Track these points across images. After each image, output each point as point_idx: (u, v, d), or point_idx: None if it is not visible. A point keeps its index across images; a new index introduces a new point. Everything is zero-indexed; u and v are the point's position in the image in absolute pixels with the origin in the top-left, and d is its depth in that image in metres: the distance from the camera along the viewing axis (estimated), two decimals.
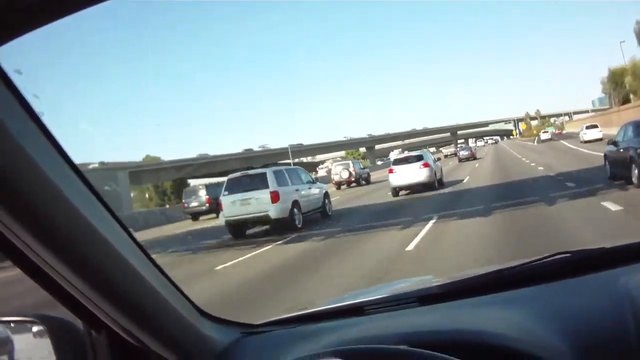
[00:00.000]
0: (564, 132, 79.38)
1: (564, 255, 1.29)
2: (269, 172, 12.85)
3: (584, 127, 38.48)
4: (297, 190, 13.18)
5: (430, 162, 17.98)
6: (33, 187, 0.78)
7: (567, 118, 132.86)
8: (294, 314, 1.43)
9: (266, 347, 1.28)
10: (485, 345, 1.01)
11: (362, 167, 35.02)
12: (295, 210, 12.75)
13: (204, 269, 9.27)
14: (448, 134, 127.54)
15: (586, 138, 35.63)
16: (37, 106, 0.79)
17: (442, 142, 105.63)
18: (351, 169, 31.49)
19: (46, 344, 1.06)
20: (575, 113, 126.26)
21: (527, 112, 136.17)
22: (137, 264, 0.96)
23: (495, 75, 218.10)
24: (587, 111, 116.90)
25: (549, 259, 1.29)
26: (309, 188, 14.09)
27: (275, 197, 12.20)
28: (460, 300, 1.27)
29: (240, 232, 13.12)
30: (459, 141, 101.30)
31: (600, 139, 29.58)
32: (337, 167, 32.79)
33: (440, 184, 18.75)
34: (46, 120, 0.81)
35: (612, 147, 10.91)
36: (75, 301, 0.93)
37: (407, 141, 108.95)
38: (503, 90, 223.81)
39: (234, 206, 12.53)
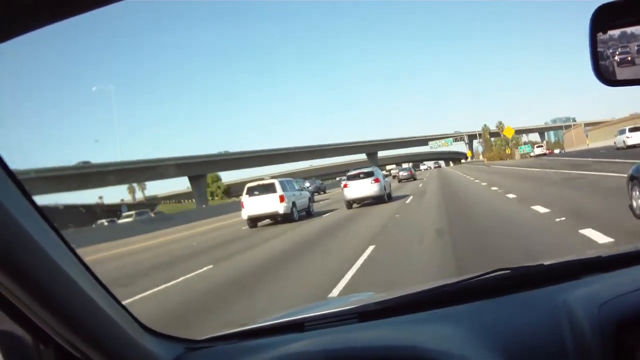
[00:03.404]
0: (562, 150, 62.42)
1: (504, 272, 1.33)
2: (276, 181, 18.36)
3: (627, 130, 31.74)
4: (294, 194, 18.75)
5: (381, 177, 20.95)
6: None
7: (536, 135, 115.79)
8: (236, 330, 1.47)
9: None
10: None
11: (307, 185, 36.73)
12: (294, 208, 18.25)
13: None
14: (364, 155, 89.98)
15: (629, 142, 29.84)
16: None
17: (337, 171, 77.60)
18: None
19: None
20: (532, 130, 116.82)
21: (485, 125, 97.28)
22: (80, 279, 0.99)
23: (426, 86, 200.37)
24: (542, 129, 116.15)
25: (488, 275, 1.33)
26: (300, 193, 19.84)
27: (282, 199, 17.62)
28: (399, 316, 1.32)
29: (255, 223, 18.49)
30: (387, 167, 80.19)
31: None
32: None
33: (390, 197, 21.34)
34: None
35: None
36: (23, 315, 0.94)
37: (284, 167, 77.10)
38: (441, 105, 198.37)
39: (252, 205, 17.86)
